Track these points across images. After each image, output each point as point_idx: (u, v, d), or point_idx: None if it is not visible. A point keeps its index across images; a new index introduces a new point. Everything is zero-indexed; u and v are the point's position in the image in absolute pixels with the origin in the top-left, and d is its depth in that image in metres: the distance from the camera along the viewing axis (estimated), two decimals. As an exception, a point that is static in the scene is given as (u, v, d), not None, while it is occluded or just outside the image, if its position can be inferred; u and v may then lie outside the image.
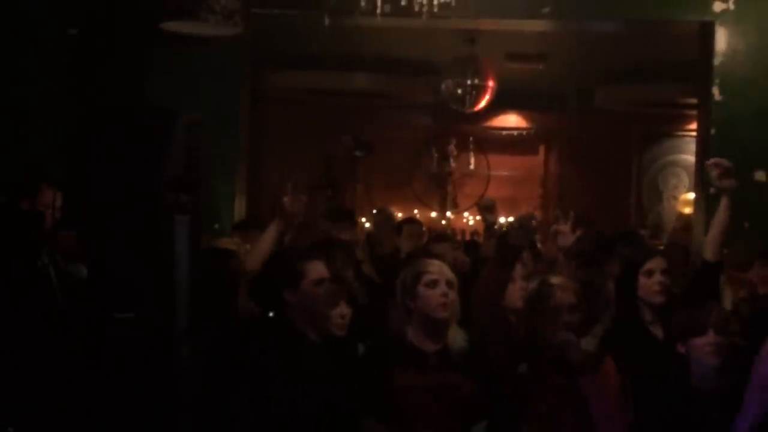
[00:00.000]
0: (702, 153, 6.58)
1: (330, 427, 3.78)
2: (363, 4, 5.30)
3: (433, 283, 3.84)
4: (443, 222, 11.59)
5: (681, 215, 9.65)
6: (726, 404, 3.51)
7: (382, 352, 3.90)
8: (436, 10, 5.31)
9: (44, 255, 4.83)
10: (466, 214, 11.77)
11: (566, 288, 3.87)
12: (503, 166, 11.86)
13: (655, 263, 4.17)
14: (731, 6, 6.32)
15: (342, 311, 4.14)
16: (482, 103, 9.22)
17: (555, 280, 3.94)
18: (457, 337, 3.89)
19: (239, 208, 6.77)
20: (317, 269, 3.98)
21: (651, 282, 4.12)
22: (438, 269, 3.91)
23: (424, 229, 7.02)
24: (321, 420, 3.77)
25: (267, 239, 4.51)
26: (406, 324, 3.89)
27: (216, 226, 6.40)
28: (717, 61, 6.36)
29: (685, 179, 10.92)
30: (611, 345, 3.93)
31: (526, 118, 11.74)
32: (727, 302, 4.83)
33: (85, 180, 4.12)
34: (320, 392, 3.77)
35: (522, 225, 3.85)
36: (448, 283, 3.86)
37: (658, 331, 4.08)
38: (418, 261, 4.15)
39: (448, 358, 3.83)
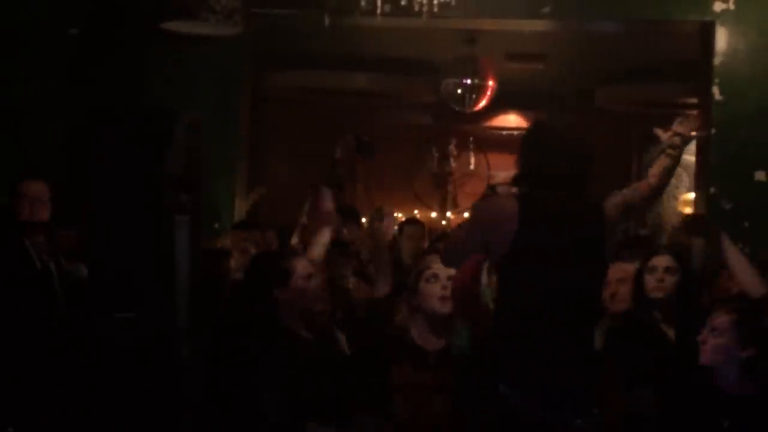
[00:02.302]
0: (702, 153, 6.58)
1: (327, 422, 3.81)
2: (363, 4, 5.31)
3: (434, 278, 3.89)
4: (443, 222, 11.58)
5: (681, 215, 9.64)
6: (750, 407, 3.51)
7: (383, 349, 3.93)
8: (436, 10, 5.32)
9: (45, 254, 4.84)
10: (466, 214, 11.75)
11: None
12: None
13: (658, 260, 4.18)
14: (731, 6, 6.31)
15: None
16: (482, 103, 9.21)
17: None
18: (459, 336, 3.91)
19: (239, 208, 6.77)
20: (304, 265, 4.04)
21: (652, 278, 4.14)
22: (440, 265, 3.94)
23: (425, 230, 7.02)
24: (318, 416, 3.80)
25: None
26: (410, 322, 3.93)
27: (216, 226, 6.39)
28: (717, 61, 6.35)
29: (685, 179, 10.89)
30: (619, 344, 3.96)
31: (526, 118, 11.73)
32: None
33: (85, 180, 4.13)
34: (315, 388, 3.81)
35: None
36: (449, 278, 3.88)
37: (670, 331, 4.09)
38: (422, 259, 4.22)
39: (449, 357, 3.85)
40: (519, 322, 3.31)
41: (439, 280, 3.88)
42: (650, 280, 4.13)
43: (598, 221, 3.42)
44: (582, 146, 3.57)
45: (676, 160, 3.60)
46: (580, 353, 3.32)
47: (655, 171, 3.60)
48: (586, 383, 3.30)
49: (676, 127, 3.60)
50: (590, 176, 3.54)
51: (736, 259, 3.90)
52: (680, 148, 3.59)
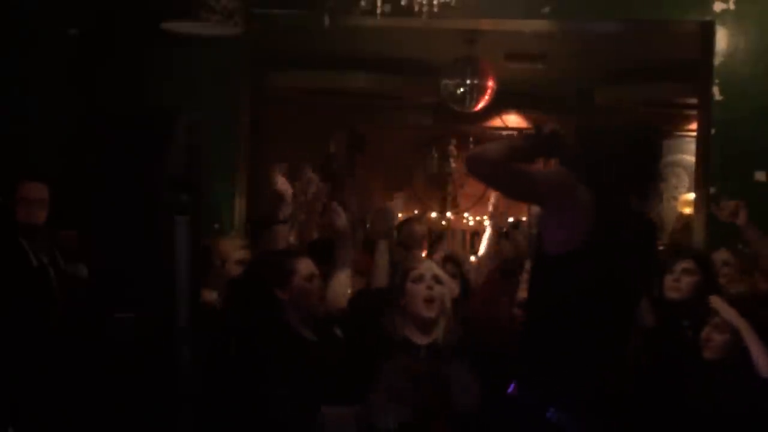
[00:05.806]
0: (702, 153, 6.58)
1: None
2: (363, 4, 5.31)
3: (419, 278, 4.00)
4: (443, 222, 11.58)
5: (681, 215, 9.64)
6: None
7: (377, 346, 4.00)
8: (436, 10, 5.32)
9: (43, 254, 4.84)
10: (466, 214, 11.76)
11: None
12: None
13: (679, 264, 4.21)
14: (731, 6, 6.32)
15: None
16: (482, 103, 9.20)
17: None
18: (446, 330, 4.01)
19: (239, 208, 6.77)
20: (306, 265, 4.05)
21: (670, 278, 4.20)
22: (425, 266, 4.09)
23: (426, 229, 7.02)
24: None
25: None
26: (401, 322, 4.01)
27: (216, 226, 6.40)
28: (717, 61, 6.35)
29: (685, 179, 10.91)
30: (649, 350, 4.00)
31: (526, 118, 11.73)
32: None
33: (85, 180, 4.13)
34: (321, 388, 3.83)
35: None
36: (434, 278, 4.01)
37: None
38: (410, 258, 4.33)
39: (438, 350, 3.95)
40: (566, 326, 3.06)
41: (424, 280, 3.99)
42: (668, 280, 4.18)
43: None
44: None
45: None
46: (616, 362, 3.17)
47: None
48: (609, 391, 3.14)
49: None
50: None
51: (752, 341, 3.82)
52: None
